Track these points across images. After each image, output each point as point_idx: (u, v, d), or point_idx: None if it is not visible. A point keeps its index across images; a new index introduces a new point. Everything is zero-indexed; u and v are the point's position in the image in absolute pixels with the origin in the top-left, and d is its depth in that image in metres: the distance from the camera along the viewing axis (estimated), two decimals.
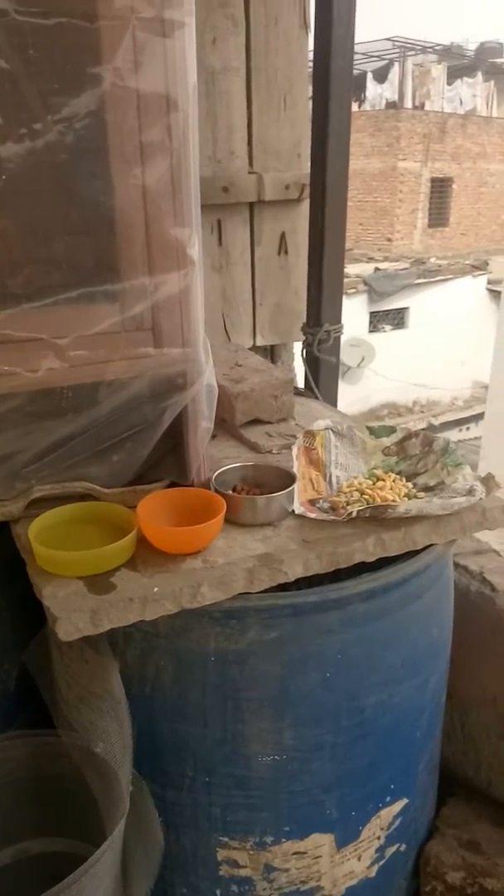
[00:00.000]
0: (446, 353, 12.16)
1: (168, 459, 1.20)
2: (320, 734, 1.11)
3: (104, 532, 1.07)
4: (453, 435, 12.74)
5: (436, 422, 12.75)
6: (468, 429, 13.10)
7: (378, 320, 12.14)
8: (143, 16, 0.88)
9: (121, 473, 1.15)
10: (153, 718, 1.09)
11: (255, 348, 2.06)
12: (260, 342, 2.08)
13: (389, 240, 14.42)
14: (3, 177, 0.88)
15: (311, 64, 1.81)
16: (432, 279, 12.32)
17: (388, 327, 12.34)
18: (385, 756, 1.20)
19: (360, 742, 1.15)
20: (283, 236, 1.99)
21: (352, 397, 10.71)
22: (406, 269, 12.47)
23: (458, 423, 13.03)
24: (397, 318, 12.40)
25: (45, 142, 0.89)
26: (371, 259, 13.08)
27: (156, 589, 0.96)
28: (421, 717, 1.24)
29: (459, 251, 14.48)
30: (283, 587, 1.05)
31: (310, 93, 1.92)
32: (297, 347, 2.21)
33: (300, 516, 1.13)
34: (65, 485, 1.12)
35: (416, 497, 1.18)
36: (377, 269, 12.30)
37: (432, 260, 13.27)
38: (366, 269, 12.23)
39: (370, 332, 11.93)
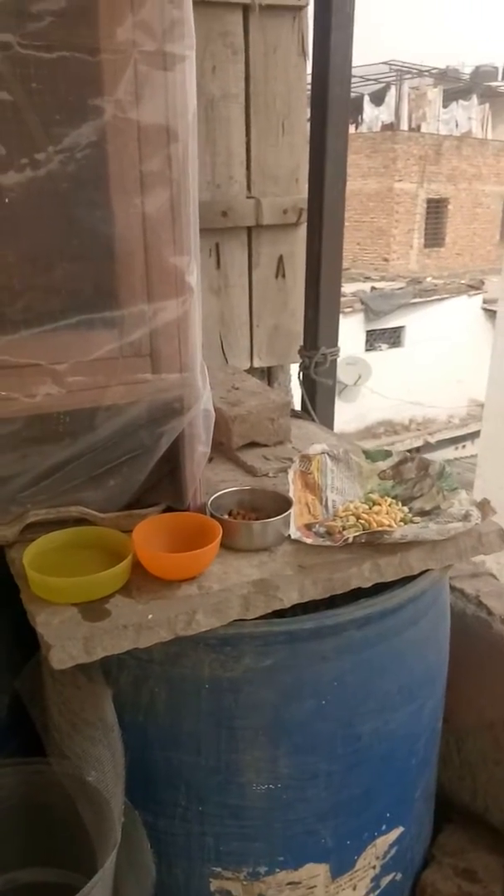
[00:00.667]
0: (442, 372, 12.21)
1: (164, 483, 1.20)
2: (315, 762, 1.10)
3: (99, 557, 1.07)
4: (449, 453, 12.76)
5: (432, 440, 12.77)
6: (464, 447, 13.12)
7: (374, 339, 12.20)
8: (144, 49, 0.90)
9: (117, 498, 1.15)
10: (146, 746, 1.08)
11: (252, 370, 2.07)
12: (257, 364, 2.09)
13: (386, 259, 14.54)
14: (6, 202, 0.88)
15: (309, 88, 1.84)
16: (428, 298, 12.41)
17: (384, 346, 12.40)
18: (381, 784, 1.19)
19: (356, 770, 1.14)
20: (280, 259, 2.01)
21: (348, 415, 10.73)
22: (402, 288, 12.56)
23: (454, 441, 13.05)
24: (393, 337, 12.47)
25: (46, 171, 0.90)
26: (368, 278, 13.18)
27: (150, 616, 0.96)
28: (417, 744, 1.24)
29: (455, 271, 14.59)
30: (278, 613, 1.05)
31: (308, 118, 1.95)
32: (294, 369, 2.23)
33: (296, 541, 1.13)
34: (60, 509, 1.12)
35: (412, 522, 1.18)
36: (374, 288, 12.38)
37: (428, 279, 13.38)
38: (362, 288, 12.32)
39: (367, 350, 11.99)
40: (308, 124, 1.92)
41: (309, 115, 1.78)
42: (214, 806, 1.09)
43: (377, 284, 12.66)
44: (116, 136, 0.92)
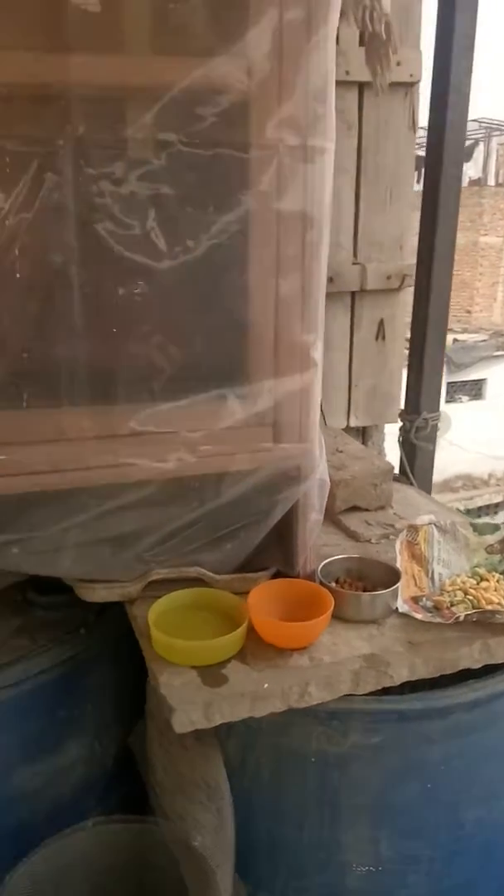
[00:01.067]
0: None
1: (273, 547, 1.23)
2: (418, 847, 1.07)
3: (215, 620, 1.09)
4: None
5: None
6: None
7: (455, 391, 12.02)
8: (289, 144, 0.96)
9: (231, 560, 1.18)
10: (249, 815, 1.08)
11: (348, 429, 2.09)
12: (353, 423, 2.11)
13: (469, 311, 14.39)
14: (157, 289, 0.95)
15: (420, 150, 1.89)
16: None
17: (465, 398, 12.18)
18: (482, 875, 1.14)
19: (458, 858, 1.10)
20: (381, 323, 2.04)
21: None
22: (485, 340, 12.37)
23: None
24: (475, 389, 12.24)
25: (194, 257, 0.96)
26: (450, 330, 13.05)
27: (266, 685, 0.97)
28: None
29: None
30: (384, 689, 1.05)
31: (416, 185, 2.00)
32: (388, 428, 2.24)
33: (404, 615, 1.12)
34: (181, 569, 1.16)
35: None
36: (456, 340, 12.25)
37: None
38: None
39: (447, 402, 11.80)
40: (416, 188, 1.98)
41: (419, 181, 1.82)
42: (313, 884, 1.08)
43: (459, 336, 12.53)
44: (258, 223, 0.98)
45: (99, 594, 1.14)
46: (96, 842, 1.08)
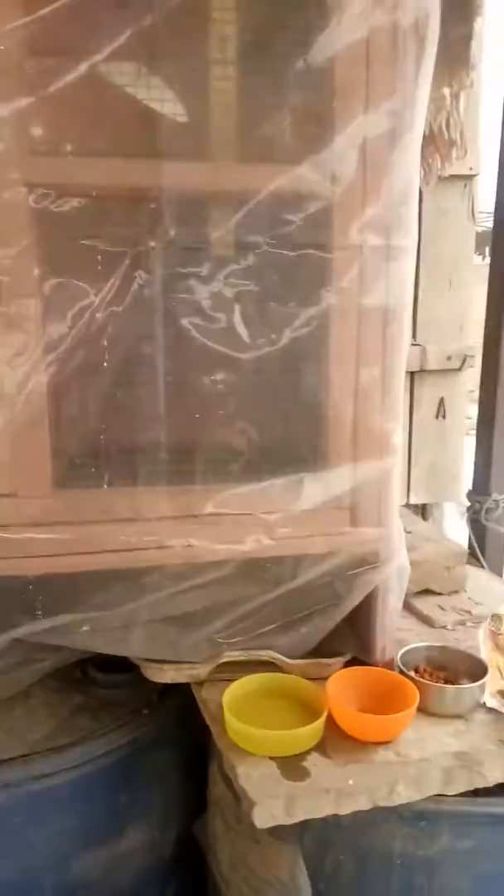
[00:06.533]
0: None
1: (349, 632, 1.21)
2: None
3: (292, 708, 1.07)
4: None
5: None
6: None
7: None
8: (372, 245, 1.00)
9: (304, 644, 1.17)
10: None
11: (407, 505, 2.08)
12: (413, 500, 2.10)
13: None
14: (240, 377, 0.99)
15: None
16: None
17: None
18: None
19: None
20: (441, 402, 2.05)
21: None
22: None
23: None
24: None
25: (277, 348, 1.00)
26: None
27: (351, 782, 0.94)
28: None
29: None
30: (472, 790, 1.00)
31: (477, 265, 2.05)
32: (447, 507, 2.21)
33: (492, 710, 1.08)
34: (252, 652, 1.15)
35: None
36: None
37: None
38: None
39: None
40: (474, 275, 2.02)
41: (482, 257, 1.86)
42: None
43: None
44: (340, 317, 1.02)
45: (167, 675, 1.13)
46: None
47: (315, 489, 1.08)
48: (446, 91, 1.09)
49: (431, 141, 1.25)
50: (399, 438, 1.09)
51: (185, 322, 0.97)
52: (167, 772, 1.26)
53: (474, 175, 1.94)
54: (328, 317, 1.01)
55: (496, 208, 1.73)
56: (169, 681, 1.16)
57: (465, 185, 1.96)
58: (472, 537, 1.79)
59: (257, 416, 1.04)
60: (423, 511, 2.20)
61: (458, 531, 1.97)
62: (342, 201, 0.98)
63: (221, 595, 1.11)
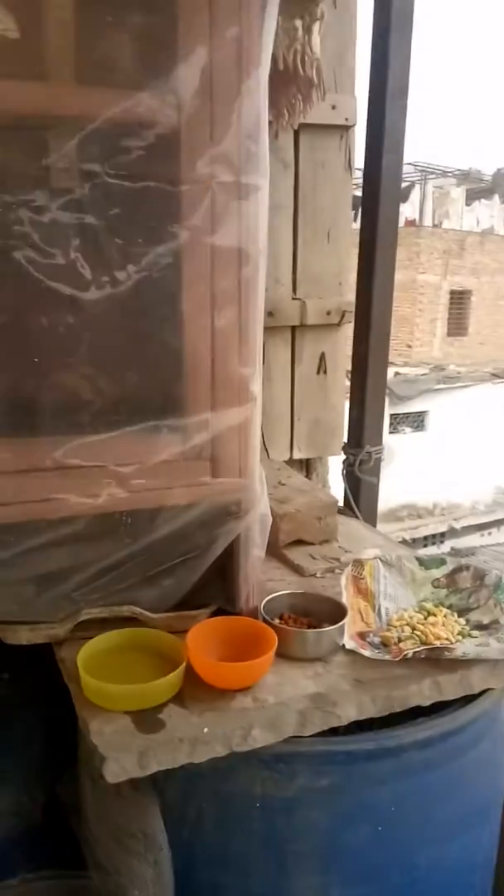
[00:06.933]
0: (467, 457, 12.18)
1: (214, 583, 1.20)
2: (370, 892, 1.04)
3: (152, 661, 1.05)
4: (475, 539, 12.54)
5: (456, 525, 12.59)
6: (490, 534, 12.90)
7: (398, 422, 12.29)
8: (222, 180, 0.96)
9: (168, 598, 1.14)
10: (191, 865, 1.02)
11: (291, 461, 2.09)
12: (297, 456, 2.11)
13: (409, 346, 14.83)
14: (85, 316, 0.93)
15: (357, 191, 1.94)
16: (452, 385, 12.54)
17: (408, 429, 12.46)
18: None
19: None
20: (322, 357, 2.06)
21: None
22: (426, 374, 12.74)
23: (480, 527, 12.85)
24: (417, 421, 12.55)
25: (124, 288, 0.95)
26: (392, 364, 13.39)
27: (206, 730, 0.93)
28: (474, 876, 1.16)
29: (478, 359, 14.81)
30: (331, 729, 1.02)
31: (353, 223, 2.05)
32: (332, 461, 2.24)
33: (351, 652, 1.10)
34: (112, 608, 1.11)
35: (470, 636, 1.15)
36: (397, 373, 12.57)
37: (451, 367, 13.56)
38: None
39: (390, 433, 12.04)
40: (353, 226, 2.02)
41: (357, 219, 1.87)
42: None
43: (401, 370, 12.86)
44: (191, 257, 0.97)
45: (23, 636, 1.08)
46: None
47: (172, 439, 1.04)
48: (298, 23, 1.05)
49: (293, 80, 1.22)
50: (258, 386, 1.07)
51: (17, 256, 0.89)
52: (33, 736, 1.22)
53: (350, 126, 1.92)
54: (179, 256, 0.96)
55: (364, 170, 1.72)
56: (25, 642, 1.11)
57: (342, 137, 1.94)
58: (347, 488, 1.82)
59: (105, 362, 0.98)
60: (307, 466, 2.22)
61: (342, 485, 2.01)
62: (188, 132, 0.92)
63: (76, 551, 1.06)
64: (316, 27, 1.07)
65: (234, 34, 0.91)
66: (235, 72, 0.92)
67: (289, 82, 1.20)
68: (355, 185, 2.03)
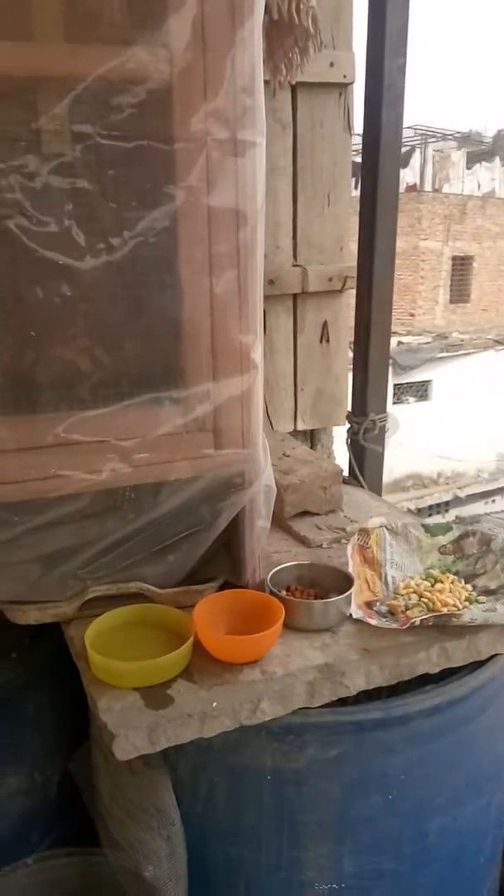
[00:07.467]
0: (471, 426, 12.14)
1: (220, 557, 1.18)
2: (382, 861, 1.04)
3: (159, 637, 1.04)
4: (479, 507, 12.56)
5: (461, 493, 12.60)
6: (494, 501, 12.91)
7: (402, 392, 12.22)
8: (217, 137, 0.92)
9: (175, 573, 1.13)
10: (204, 839, 1.03)
11: (295, 432, 2.07)
12: (301, 427, 2.08)
13: (412, 315, 14.68)
14: (82, 285, 0.90)
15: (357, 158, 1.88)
16: (455, 353, 12.44)
17: (411, 399, 12.40)
18: (450, 885, 1.11)
19: (424, 870, 1.07)
20: (325, 325, 2.02)
21: None
22: (428, 343, 12.63)
23: (484, 495, 12.86)
24: (420, 391, 12.48)
25: (120, 255, 0.91)
26: (394, 333, 13.28)
27: (214, 704, 0.92)
28: (485, 841, 1.16)
29: (481, 326, 14.66)
30: (340, 699, 1.01)
31: (353, 190, 1.99)
32: (337, 431, 2.22)
33: (358, 621, 1.09)
34: (119, 585, 1.10)
35: (477, 601, 1.13)
36: (400, 342, 12.46)
37: (454, 334, 13.44)
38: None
39: (394, 403, 11.99)
40: (353, 194, 1.97)
41: (357, 187, 1.82)
42: None
43: (404, 339, 12.75)
44: (188, 220, 0.94)
45: (31, 616, 1.07)
46: (39, 880, 1.01)
47: (173, 411, 1.02)
48: None
49: (290, 31, 1.16)
50: (260, 354, 1.04)
51: (10, 224, 0.85)
52: (45, 714, 1.22)
53: (349, 83, 1.86)
54: (175, 219, 0.93)
55: (364, 129, 1.66)
56: (33, 622, 1.10)
57: (340, 94, 1.88)
58: (352, 458, 1.80)
59: (103, 333, 0.95)
60: (311, 437, 2.20)
61: (347, 455, 1.98)
62: (181, 87, 0.88)
63: (81, 529, 1.04)
64: None
65: None
66: (228, 21, 0.88)
67: (285, 34, 1.15)
68: (355, 150, 1.97)
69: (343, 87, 1.87)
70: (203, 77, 0.89)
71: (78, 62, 0.86)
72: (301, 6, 1.04)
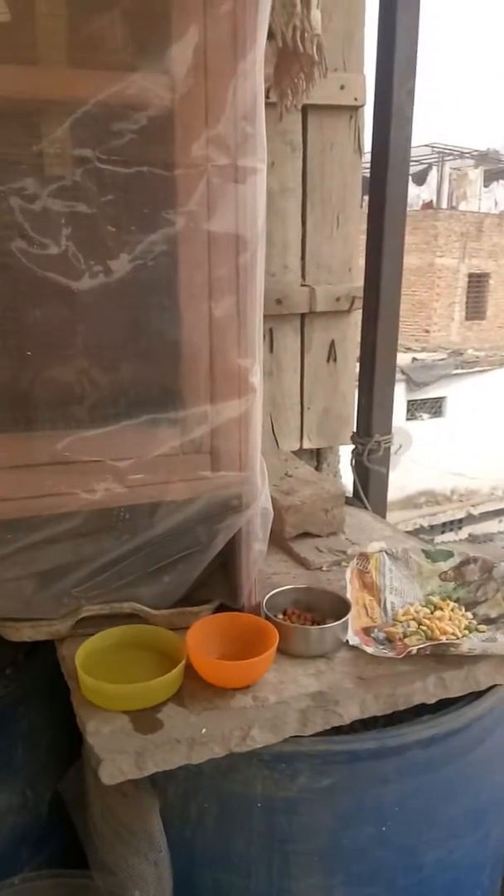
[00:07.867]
0: (485, 443, 12.06)
1: (216, 579, 1.18)
2: (374, 894, 1.02)
3: (152, 659, 1.03)
4: (493, 526, 12.45)
5: (475, 511, 12.50)
6: None
7: (415, 409, 12.18)
8: (217, 164, 0.93)
9: (170, 594, 1.13)
10: (193, 864, 1.01)
11: (301, 451, 2.06)
12: (307, 445, 2.08)
13: (427, 331, 14.65)
14: (79, 306, 0.90)
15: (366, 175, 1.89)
16: (470, 370, 12.39)
17: (425, 416, 12.35)
18: None
19: None
20: (332, 344, 2.02)
21: (389, 485, 10.60)
22: (443, 359, 12.59)
23: (498, 513, 12.74)
24: (435, 407, 12.43)
25: (118, 277, 0.92)
26: (409, 349, 13.26)
27: (204, 730, 0.91)
28: (482, 875, 1.14)
29: (497, 343, 14.60)
30: (334, 727, 0.99)
31: (362, 209, 2.00)
32: (343, 450, 2.21)
33: (355, 648, 1.08)
34: (113, 605, 1.10)
35: (477, 630, 1.12)
36: (415, 359, 12.43)
37: (469, 351, 13.39)
38: (404, 358, 12.36)
39: (407, 419, 11.94)
40: (362, 214, 1.97)
41: (366, 208, 1.82)
42: None
43: (418, 355, 12.73)
44: (188, 244, 0.94)
45: (25, 633, 1.07)
46: None
47: (170, 432, 1.02)
48: None
49: (295, 59, 1.17)
50: (259, 377, 1.04)
51: (10, 247, 0.86)
52: (37, 731, 1.21)
53: (359, 106, 1.87)
54: (174, 243, 0.93)
55: (372, 151, 1.67)
56: (26, 639, 1.10)
57: (351, 117, 1.89)
58: (357, 479, 1.79)
59: (101, 354, 0.96)
60: (317, 456, 2.19)
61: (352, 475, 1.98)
62: (182, 114, 0.89)
63: (75, 547, 1.04)
64: (314, 1, 1.02)
65: (229, 10, 0.87)
66: (230, 49, 0.89)
67: (291, 60, 1.16)
68: (365, 169, 1.98)
69: (354, 110, 1.88)
70: (204, 104, 0.89)
71: (79, 87, 0.87)
72: (306, 35, 1.04)
